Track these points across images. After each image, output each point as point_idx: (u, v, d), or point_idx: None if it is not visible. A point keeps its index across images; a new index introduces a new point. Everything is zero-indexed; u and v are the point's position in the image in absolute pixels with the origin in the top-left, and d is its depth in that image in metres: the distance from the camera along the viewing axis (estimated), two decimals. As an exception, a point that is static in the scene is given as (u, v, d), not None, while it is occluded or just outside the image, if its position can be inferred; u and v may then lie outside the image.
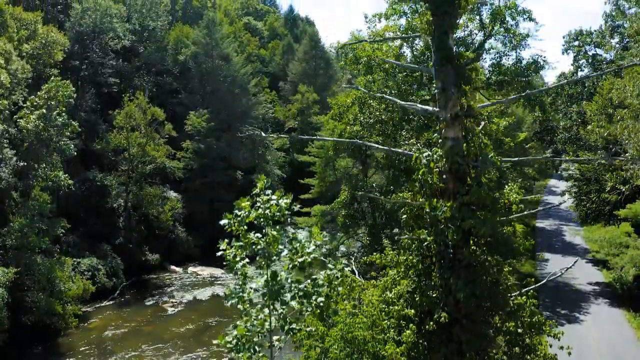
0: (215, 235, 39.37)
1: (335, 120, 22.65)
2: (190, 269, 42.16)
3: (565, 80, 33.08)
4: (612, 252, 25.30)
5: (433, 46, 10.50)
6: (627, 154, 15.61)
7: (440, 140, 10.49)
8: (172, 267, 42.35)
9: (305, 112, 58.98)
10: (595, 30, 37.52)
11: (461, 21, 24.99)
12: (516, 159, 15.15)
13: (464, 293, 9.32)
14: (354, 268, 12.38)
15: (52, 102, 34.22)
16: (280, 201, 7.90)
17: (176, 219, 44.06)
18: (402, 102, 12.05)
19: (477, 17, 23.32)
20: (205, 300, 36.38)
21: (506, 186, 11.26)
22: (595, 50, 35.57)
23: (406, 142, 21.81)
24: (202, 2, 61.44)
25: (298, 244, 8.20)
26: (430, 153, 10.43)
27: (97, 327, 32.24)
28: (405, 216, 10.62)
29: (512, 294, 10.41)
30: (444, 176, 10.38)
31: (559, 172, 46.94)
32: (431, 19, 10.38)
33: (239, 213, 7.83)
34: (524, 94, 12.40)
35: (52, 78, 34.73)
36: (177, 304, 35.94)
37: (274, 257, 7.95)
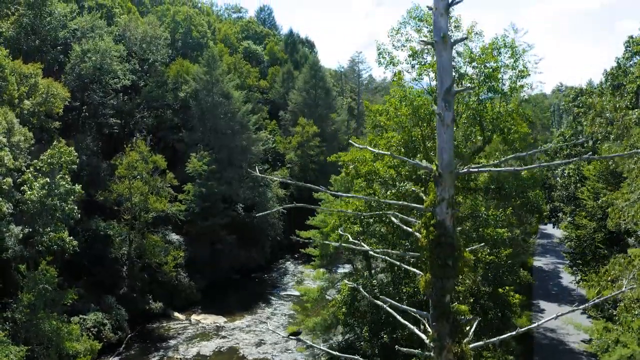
0: (216, 277, 41.02)
1: (336, 228, 23.15)
2: (194, 317, 42.94)
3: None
4: (602, 347, 26.04)
5: (431, 302, 10.97)
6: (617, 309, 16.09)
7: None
8: (176, 314, 43.14)
9: (305, 145, 59.32)
10: (596, 88, 37.60)
11: (462, 117, 25.31)
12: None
13: None
14: None
15: (55, 166, 34.61)
16: None
17: (178, 264, 44.72)
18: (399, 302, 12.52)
19: (478, 119, 23.58)
20: (209, 356, 37.25)
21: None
22: (595, 111, 35.76)
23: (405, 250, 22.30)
24: (202, 32, 61.06)
25: None
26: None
27: (105, 391, 33.17)
28: None
29: None
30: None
31: (556, 226, 47.55)
32: (430, 277, 10.82)
33: None
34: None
35: (54, 143, 35.04)
36: (181, 360, 36.85)
37: None
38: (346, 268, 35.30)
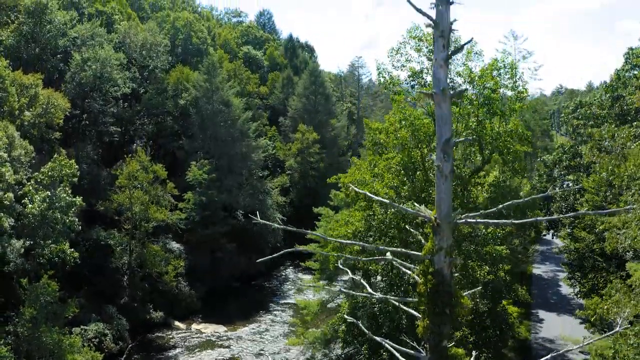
0: (216, 285, 41.34)
1: (336, 250, 23.30)
2: (194, 326, 43.13)
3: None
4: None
5: (429, 346, 11.13)
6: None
7: None
8: (176, 323, 43.32)
9: (305, 152, 59.46)
10: (596, 100, 37.69)
11: (461, 135, 25.38)
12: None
13: None
14: None
15: (56, 179, 34.72)
16: None
17: (179, 273, 44.87)
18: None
19: (477, 143, 23.71)
20: (209, 367, 37.49)
21: None
22: (594, 122, 35.90)
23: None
24: (202, 38, 61.08)
25: None
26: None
27: (106, 404, 33.37)
28: None
29: None
30: None
31: (555, 236, 47.69)
32: (428, 323, 10.97)
33: None
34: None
35: (55, 156, 35.13)
36: (182, 371, 37.05)
37: None
38: (346, 277, 35.45)
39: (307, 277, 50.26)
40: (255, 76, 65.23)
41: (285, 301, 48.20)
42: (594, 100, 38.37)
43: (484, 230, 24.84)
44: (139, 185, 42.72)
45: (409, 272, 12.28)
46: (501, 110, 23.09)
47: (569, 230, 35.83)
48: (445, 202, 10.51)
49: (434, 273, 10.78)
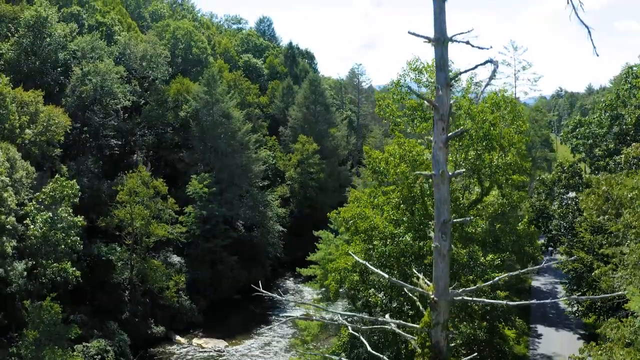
0: (217, 298, 42.00)
1: (336, 283, 23.54)
2: (195, 341, 43.40)
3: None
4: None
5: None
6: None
7: None
8: (177, 337, 43.62)
9: (305, 163, 59.65)
10: (595, 118, 37.87)
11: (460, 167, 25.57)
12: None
13: None
14: None
15: (57, 199, 34.94)
16: None
17: (180, 287, 45.14)
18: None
19: (476, 176, 23.91)
20: (210, 384, 37.81)
21: None
22: (593, 141, 36.11)
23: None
24: (202, 48, 61.09)
25: None
26: None
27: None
28: None
29: None
30: None
31: (554, 251, 47.89)
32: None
33: None
34: None
35: (56, 176, 35.33)
36: (183, 388, 37.38)
37: None
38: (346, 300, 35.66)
39: (308, 289, 50.57)
40: (255, 86, 65.30)
41: (286, 314, 48.48)
42: (593, 119, 38.52)
43: (482, 259, 25.07)
44: (139, 201, 42.89)
45: (408, 337, 12.52)
46: (499, 144, 23.27)
47: (566, 248, 36.09)
48: (442, 279, 10.72)
49: (431, 347, 11.02)
